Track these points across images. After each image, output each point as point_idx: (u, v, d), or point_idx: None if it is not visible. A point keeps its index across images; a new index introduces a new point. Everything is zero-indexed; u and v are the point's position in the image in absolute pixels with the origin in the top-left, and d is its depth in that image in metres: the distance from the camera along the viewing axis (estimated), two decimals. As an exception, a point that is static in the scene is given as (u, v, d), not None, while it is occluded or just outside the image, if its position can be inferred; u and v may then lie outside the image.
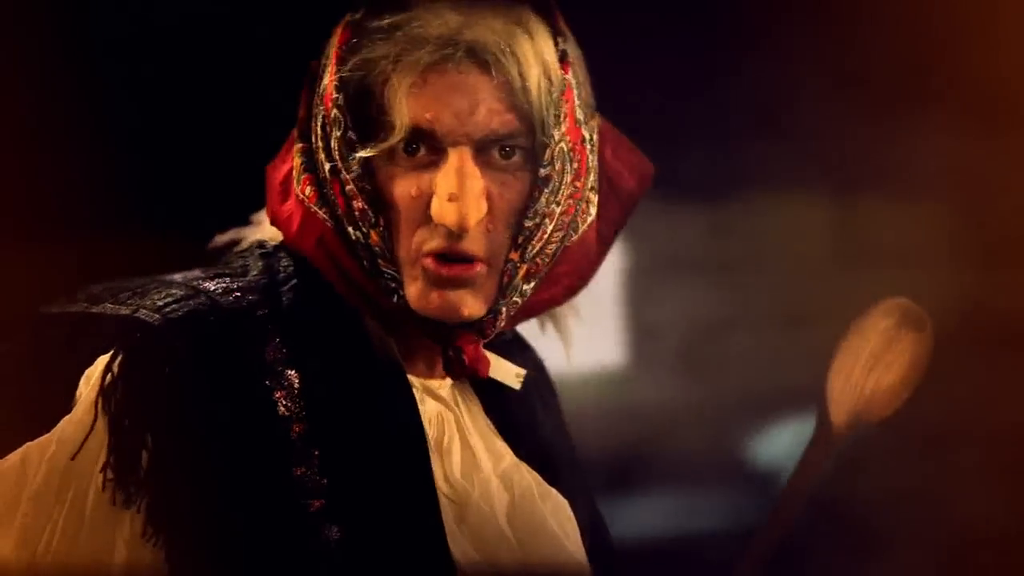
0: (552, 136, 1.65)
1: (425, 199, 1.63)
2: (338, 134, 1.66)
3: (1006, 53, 2.20)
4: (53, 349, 1.68)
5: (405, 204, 1.64)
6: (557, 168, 1.66)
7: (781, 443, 2.43)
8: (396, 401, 1.68)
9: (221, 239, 1.80)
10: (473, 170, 1.62)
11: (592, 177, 1.72)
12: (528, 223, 1.66)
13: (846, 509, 2.28)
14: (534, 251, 1.67)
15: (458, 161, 1.62)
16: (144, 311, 1.65)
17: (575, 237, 1.72)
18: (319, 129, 1.68)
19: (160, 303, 1.65)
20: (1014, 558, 2.20)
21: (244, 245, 1.77)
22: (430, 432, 1.70)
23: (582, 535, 1.75)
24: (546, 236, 1.68)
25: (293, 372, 1.64)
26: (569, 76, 1.67)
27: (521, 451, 1.75)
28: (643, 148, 1.84)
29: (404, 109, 1.62)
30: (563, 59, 1.67)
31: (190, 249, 1.81)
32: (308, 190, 1.69)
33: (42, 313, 1.71)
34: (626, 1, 2.31)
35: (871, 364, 1.83)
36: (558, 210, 1.68)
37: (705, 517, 2.42)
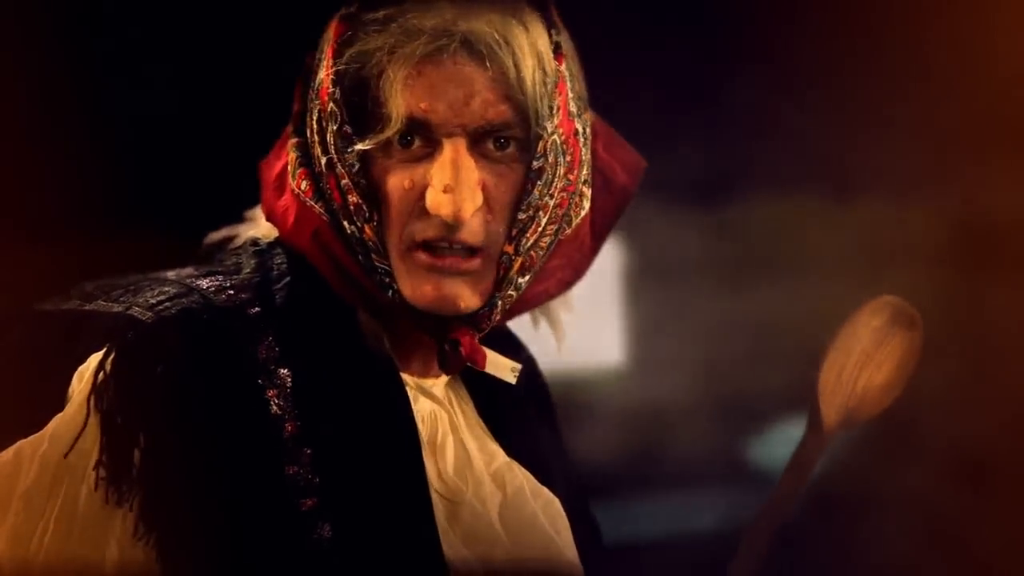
0: (546, 128, 1.65)
1: (418, 191, 1.63)
2: (334, 128, 1.66)
3: (1005, 54, 2.20)
4: (46, 347, 1.68)
5: (398, 196, 1.64)
6: (550, 160, 1.66)
7: (780, 443, 2.42)
8: (389, 399, 1.68)
9: (215, 236, 1.80)
10: (468, 161, 1.62)
11: (585, 170, 1.72)
12: (522, 215, 1.66)
13: (845, 509, 2.27)
14: (528, 244, 1.67)
15: (453, 152, 1.62)
16: (137, 309, 1.65)
17: (568, 230, 1.71)
18: (315, 123, 1.68)
19: (153, 301, 1.65)
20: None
21: (238, 243, 1.77)
22: (423, 431, 1.70)
23: (573, 534, 1.75)
24: (540, 229, 1.67)
25: (286, 371, 1.64)
26: (563, 68, 1.67)
27: (513, 450, 1.75)
28: (642, 147, 1.84)
29: (399, 100, 1.62)
30: (557, 51, 1.67)
31: (184, 246, 1.81)
32: (304, 184, 1.69)
33: (35, 311, 1.71)
34: (626, 0, 2.31)
35: (862, 362, 1.83)
36: (551, 203, 1.67)
37: (705, 517, 2.42)
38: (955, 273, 2.24)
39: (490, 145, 1.65)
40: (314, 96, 1.69)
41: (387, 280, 1.65)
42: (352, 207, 1.65)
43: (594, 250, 1.77)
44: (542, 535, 1.72)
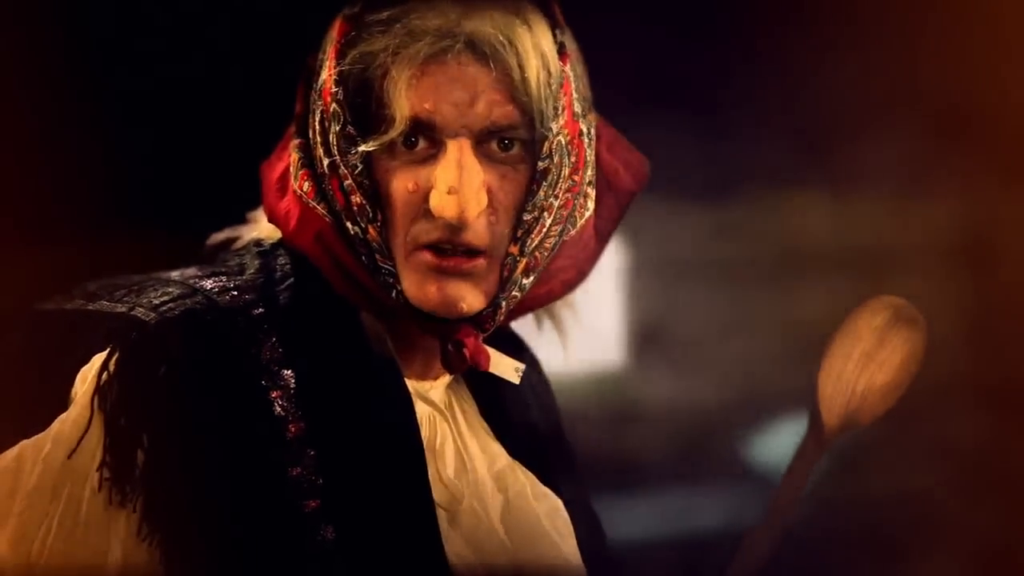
0: (550, 129, 1.65)
1: (423, 193, 1.63)
2: (337, 129, 1.65)
3: (1006, 54, 2.20)
4: (49, 346, 1.67)
5: (402, 198, 1.64)
6: (555, 161, 1.66)
7: (781, 443, 2.42)
8: (392, 401, 1.68)
9: (217, 237, 1.80)
10: (473, 162, 1.62)
11: (590, 171, 1.72)
12: (527, 216, 1.65)
13: (849, 510, 2.27)
14: (533, 245, 1.66)
15: (457, 153, 1.62)
16: (140, 309, 1.65)
17: (573, 231, 1.71)
18: (317, 124, 1.68)
19: (156, 301, 1.65)
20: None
21: (240, 244, 1.77)
22: (424, 433, 1.70)
23: (576, 536, 1.75)
24: (545, 230, 1.67)
25: (289, 372, 1.64)
26: (567, 69, 1.67)
27: (516, 452, 1.75)
28: (642, 147, 1.84)
29: (403, 101, 1.62)
30: (561, 51, 1.67)
31: (186, 247, 1.81)
32: (306, 185, 1.69)
33: (38, 311, 1.71)
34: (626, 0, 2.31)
35: (863, 363, 1.82)
36: (556, 203, 1.67)
37: (705, 517, 2.42)
38: (955, 273, 2.24)
39: (495, 146, 1.64)
40: (316, 97, 1.68)
41: (391, 281, 1.65)
42: (356, 208, 1.65)
43: (598, 251, 1.77)
44: (544, 537, 1.71)
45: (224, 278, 1.69)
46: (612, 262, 2.42)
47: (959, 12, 2.19)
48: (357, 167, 1.64)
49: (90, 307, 1.68)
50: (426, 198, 1.62)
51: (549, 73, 1.65)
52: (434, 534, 1.64)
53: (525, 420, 1.79)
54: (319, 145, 1.67)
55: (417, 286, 1.64)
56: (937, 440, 2.26)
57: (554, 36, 1.67)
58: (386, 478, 1.64)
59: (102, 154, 2.11)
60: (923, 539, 2.24)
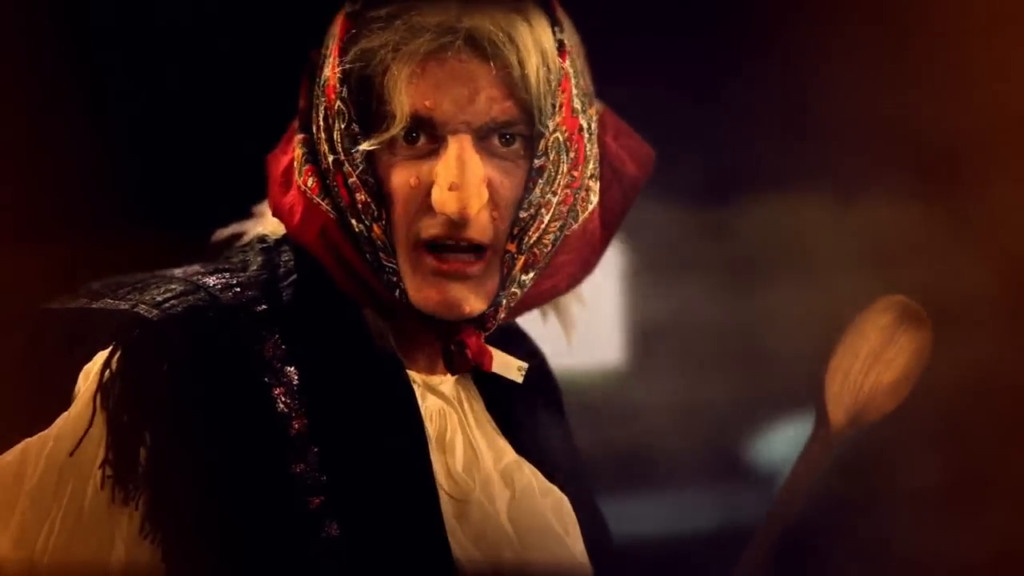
0: (547, 126, 1.65)
1: (424, 188, 1.63)
2: (342, 126, 1.65)
3: (1007, 53, 2.20)
4: (52, 345, 1.67)
5: (404, 194, 1.64)
6: (552, 158, 1.66)
7: (781, 443, 2.42)
8: (395, 397, 1.67)
9: (223, 233, 1.80)
10: (473, 158, 1.62)
11: (592, 165, 1.72)
12: (523, 214, 1.65)
13: (853, 510, 2.27)
14: (531, 241, 1.66)
15: (458, 149, 1.62)
16: (143, 307, 1.64)
17: (575, 226, 1.71)
18: (321, 120, 1.68)
19: (159, 299, 1.65)
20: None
21: (245, 239, 1.76)
22: (432, 428, 1.69)
23: (582, 532, 1.75)
24: (543, 226, 1.67)
25: (292, 369, 1.63)
26: (567, 65, 1.67)
27: (522, 447, 1.74)
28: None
29: (404, 98, 1.62)
30: (561, 48, 1.67)
31: (191, 243, 1.81)
32: (310, 181, 1.69)
33: (42, 309, 1.70)
34: (626, 1, 2.30)
35: (870, 362, 1.82)
36: (555, 200, 1.67)
37: (705, 517, 2.42)
38: (956, 273, 2.24)
39: (496, 141, 1.64)
40: (320, 93, 1.68)
41: (394, 279, 1.65)
42: (360, 205, 1.65)
43: (604, 243, 1.76)
44: (551, 534, 1.71)
45: (227, 275, 1.69)
46: (612, 262, 2.42)
47: (960, 12, 2.19)
48: (361, 165, 1.64)
49: (93, 305, 1.67)
50: (428, 193, 1.62)
51: (549, 70, 1.65)
52: (439, 529, 1.63)
53: (531, 416, 1.79)
54: (323, 141, 1.67)
55: (418, 289, 1.64)
56: (938, 440, 2.26)
57: (554, 32, 1.67)
58: (390, 474, 1.64)
59: (105, 150, 2.10)
60: (923, 539, 2.24)
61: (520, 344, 1.84)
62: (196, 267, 1.71)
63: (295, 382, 1.63)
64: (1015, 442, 2.22)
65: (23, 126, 2.05)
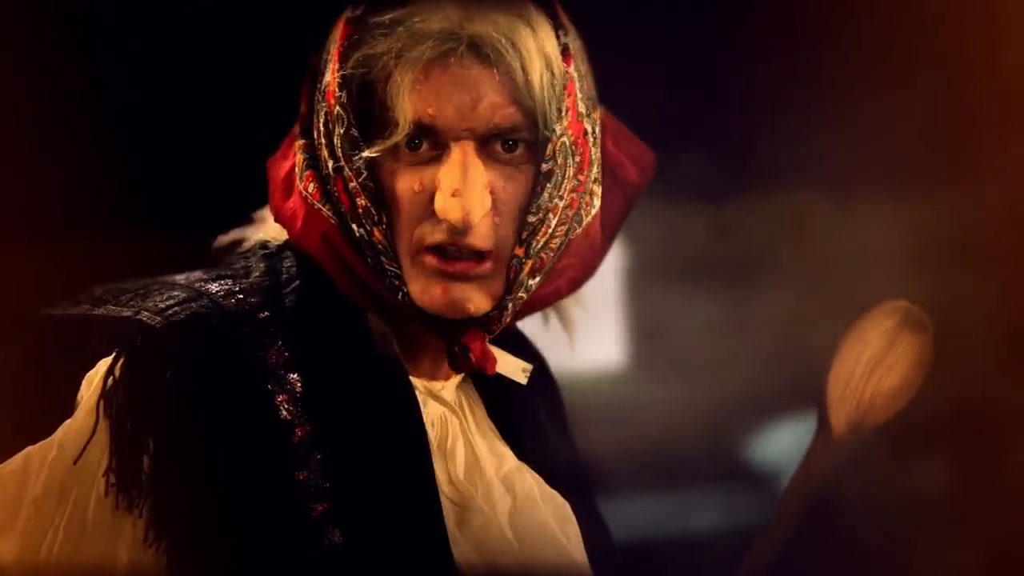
0: (554, 130, 1.64)
1: (428, 194, 1.63)
2: (341, 131, 1.65)
3: (1008, 52, 2.20)
4: (54, 351, 1.67)
5: (407, 199, 1.64)
6: (559, 162, 1.66)
7: (781, 443, 2.42)
8: (399, 403, 1.67)
9: (224, 239, 1.80)
10: (476, 164, 1.62)
11: (595, 169, 1.72)
12: (531, 218, 1.65)
13: (852, 514, 2.27)
14: (539, 246, 1.66)
15: (461, 155, 1.62)
16: (146, 313, 1.64)
17: (579, 230, 1.71)
18: (321, 126, 1.67)
19: (162, 305, 1.65)
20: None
21: (247, 245, 1.76)
22: (433, 434, 1.69)
23: (583, 537, 1.75)
24: (550, 231, 1.67)
25: (295, 376, 1.63)
26: (571, 69, 1.67)
27: (523, 453, 1.75)
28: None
29: (407, 105, 1.62)
30: (565, 52, 1.67)
31: (192, 248, 1.81)
32: (311, 187, 1.69)
33: (44, 315, 1.70)
34: (627, 1, 2.30)
35: (872, 367, 1.82)
36: (561, 204, 1.67)
37: (705, 517, 2.42)
38: (956, 273, 2.24)
39: (498, 147, 1.64)
40: (320, 99, 1.68)
41: (396, 283, 1.65)
42: (360, 210, 1.64)
43: (605, 246, 1.76)
44: (552, 540, 1.71)
45: (230, 281, 1.68)
46: (613, 262, 2.42)
47: (963, 11, 2.19)
48: (361, 170, 1.64)
49: (96, 311, 1.67)
50: (431, 199, 1.62)
51: (553, 75, 1.64)
52: (442, 537, 1.64)
53: (532, 421, 1.79)
54: (323, 147, 1.67)
55: (423, 289, 1.64)
56: (938, 439, 2.26)
57: (558, 37, 1.66)
58: (393, 481, 1.64)
59: (106, 155, 2.10)
60: (923, 540, 2.25)
61: (521, 347, 1.84)
62: (199, 273, 1.71)
63: (298, 389, 1.63)
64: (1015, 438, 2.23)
65: (26, 129, 2.05)
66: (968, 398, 2.17)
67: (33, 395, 1.67)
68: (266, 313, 1.66)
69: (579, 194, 1.68)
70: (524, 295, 1.67)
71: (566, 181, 1.67)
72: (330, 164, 1.66)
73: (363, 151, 1.63)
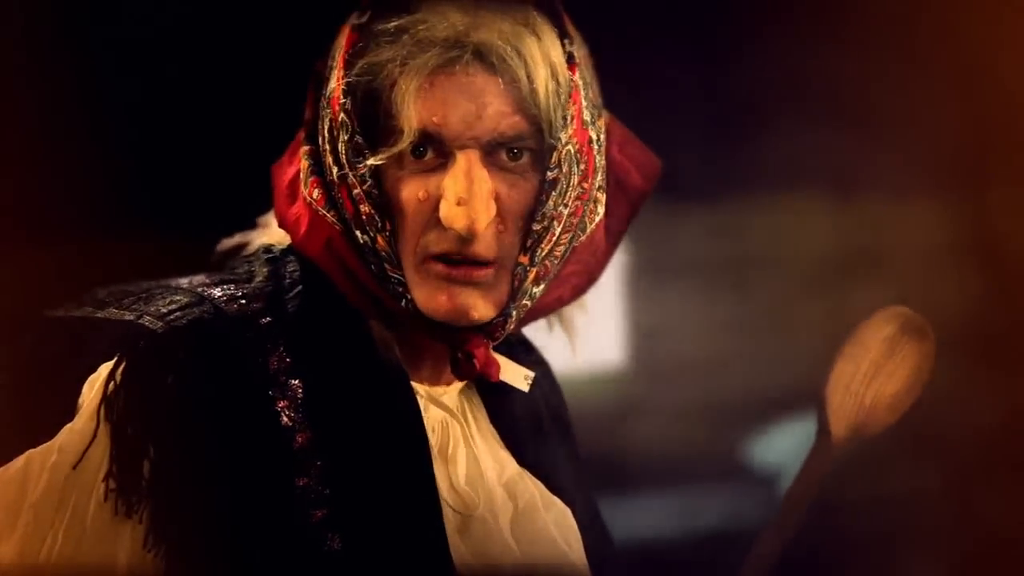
0: (559, 139, 1.64)
1: (433, 202, 1.62)
2: (345, 138, 1.64)
3: (1008, 52, 2.19)
4: (57, 354, 1.67)
5: (412, 208, 1.63)
6: (564, 171, 1.65)
7: (781, 444, 2.42)
8: (400, 410, 1.67)
9: (228, 243, 1.79)
10: (481, 173, 1.61)
11: (600, 177, 1.71)
12: (536, 226, 1.65)
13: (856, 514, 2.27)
14: (543, 254, 1.66)
15: (466, 164, 1.61)
16: (148, 318, 1.64)
17: (583, 237, 1.71)
18: (326, 132, 1.67)
19: (164, 310, 1.65)
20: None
21: (250, 249, 1.76)
22: (434, 439, 1.69)
23: (584, 543, 1.74)
24: (555, 238, 1.66)
25: (296, 382, 1.63)
26: (576, 77, 1.66)
27: (526, 460, 1.74)
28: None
29: (412, 113, 1.61)
30: (570, 60, 1.66)
31: (195, 252, 1.80)
32: (316, 193, 1.68)
33: (47, 317, 1.70)
34: (628, 0, 2.30)
35: (872, 373, 1.82)
36: (566, 212, 1.66)
37: (705, 517, 2.42)
38: (957, 273, 2.24)
39: (503, 155, 1.64)
40: (325, 105, 1.68)
41: (400, 290, 1.64)
42: (365, 217, 1.64)
43: (608, 253, 1.76)
44: (553, 547, 1.71)
45: (232, 286, 1.68)
46: (613, 262, 2.42)
47: (963, 11, 2.19)
48: (366, 178, 1.64)
49: (98, 315, 1.67)
50: (436, 207, 1.62)
51: (558, 83, 1.64)
52: (442, 543, 1.63)
53: (535, 427, 1.79)
54: (328, 153, 1.67)
55: (428, 295, 1.64)
56: (938, 438, 2.26)
57: (563, 45, 1.66)
58: (393, 487, 1.64)
59: (110, 158, 2.10)
60: (920, 540, 2.25)
61: (526, 353, 1.84)
62: (202, 277, 1.70)
63: (300, 395, 1.63)
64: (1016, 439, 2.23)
65: (26, 129, 2.05)
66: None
67: (34, 397, 1.66)
68: (268, 319, 1.66)
69: (583, 202, 1.68)
70: (528, 303, 1.67)
71: (571, 189, 1.66)
72: (335, 171, 1.66)
73: (367, 158, 1.63)
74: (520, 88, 1.61)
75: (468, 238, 1.61)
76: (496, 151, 1.63)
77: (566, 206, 1.66)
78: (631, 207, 1.76)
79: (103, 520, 1.59)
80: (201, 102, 2.14)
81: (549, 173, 1.64)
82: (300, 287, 1.68)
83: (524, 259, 1.65)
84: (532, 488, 1.72)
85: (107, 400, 1.61)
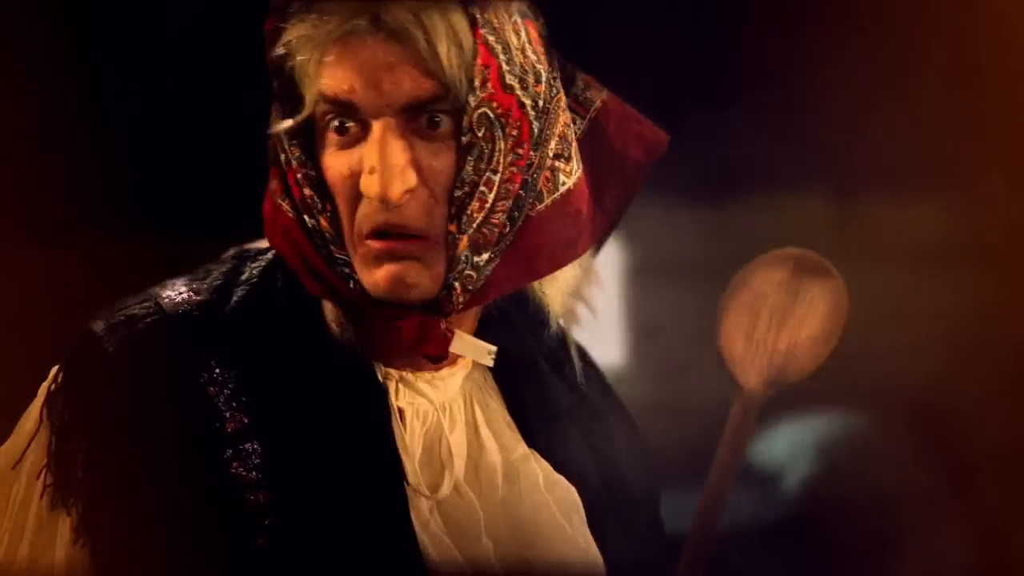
0: (468, 102, 1.63)
1: (356, 177, 1.62)
2: (279, 121, 1.66)
3: (1008, 52, 2.20)
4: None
5: (341, 184, 1.63)
6: (481, 135, 1.63)
7: (780, 442, 2.43)
8: (355, 395, 1.66)
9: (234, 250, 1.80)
10: (394, 139, 1.61)
11: (553, 144, 1.70)
12: (457, 193, 1.63)
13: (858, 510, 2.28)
14: (476, 221, 1.64)
15: (380, 132, 1.61)
16: (98, 321, 1.66)
17: (540, 206, 1.69)
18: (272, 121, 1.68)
19: (116, 310, 1.67)
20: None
21: (229, 252, 1.77)
22: (418, 425, 1.69)
23: (601, 522, 1.73)
24: (488, 205, 1.65)
25: (231, 370, 1.63)
26: (482, 39, 1.65)
27: (537, 441, 1.73)
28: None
29: (314, 82, 1.61)
30: (473, 23, 1.65)
31: (195, 252, 1.81)
32: (274, 183, 1.69)
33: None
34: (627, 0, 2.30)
35: (778, 320, 1.75)
36: (496, 178, 1.64)
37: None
38: (956, 273, 2.25)
39: (423, 123, 1.63)
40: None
41: (347, 271, 1.64)
42: (308, 200, 1.65)
43: (599, 225, 1.75)
44: (554, 526, 1.70)
45: (185, 285, 1.70)
46: (613, 262, 2.42)
47: (961, 10, 2.19)
48: (302, 159, 1.64)
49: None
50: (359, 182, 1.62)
51: (460, 46, 1.63)
52: (404, 526, 1.62)
53: (547, 407, 1.77)
54: (278, 141, 1.68)
55: (368, 273, 1.63)
56: (936, 438, 2.26)
57: (465, 9, 1.65)
58: (339, 470, 1.63)
59: (106, 155, 2.11)
60: (920, 539, 2.25)
61: (580, 357, 1.83)
62: (180, 279, 1.72)
63: (232, 384, 1.63)
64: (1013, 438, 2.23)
65: (26, 130, 2.06)
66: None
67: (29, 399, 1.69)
68: (207, 310, 1.66)
69: (523, 168, 1.67)
70: (472, 273, 1.65)
71: (497, 154, 1.65)
72: (281, 157, 1.67)
73: (282, 129, 1.63)
74: (421, 51, 1.61)
75: (387, 207, 1.60)
76: (415, 119, 1.62)
77: (495, 172, 1.64)
78: (629, 182, 1.75)
79: (41, 517, 1.62)
80: (201, 102, 2.15)
81: (463, 138, 1.63)
82: (255, 281, 1.69)
83: (452, 227, 1.64)
84: (536, 469, 1.71)
85: (48, 399, 1.64)
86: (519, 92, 1.66)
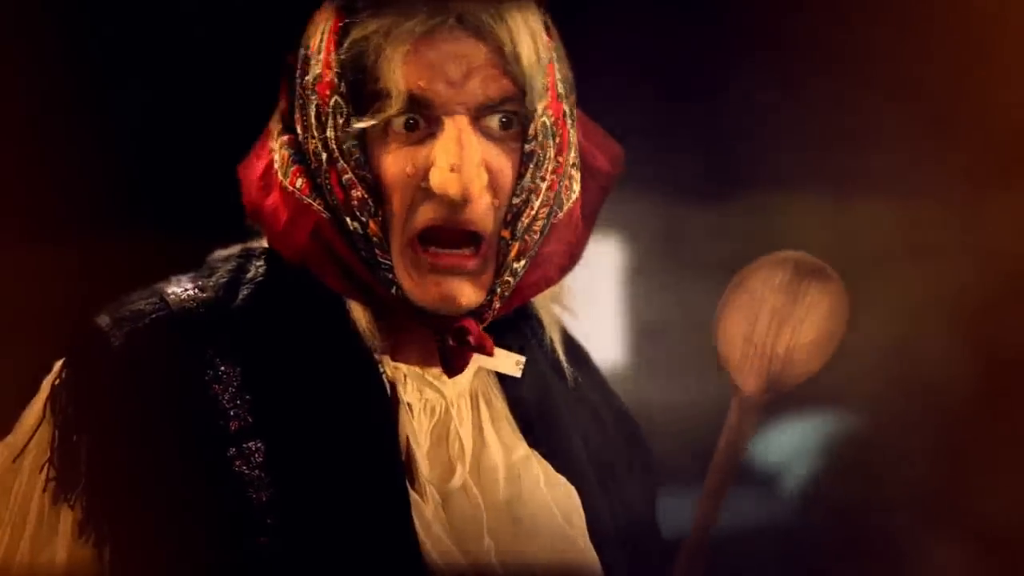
0: (536, 108, 1.64)
1: (420, 175, 1.62)
2: (340, 121, 1.64)
3: (1008, 52, 2.20)
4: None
5: (400, 183, 1.62)
6: (541, 142, 1.65)
7: (781, 443, 2.42)
8: (362, 391, 1.66)
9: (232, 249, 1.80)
10: (472, 138, 1.61)
11: (573, 153, 1.71)
12: (516, 200, 1.64)
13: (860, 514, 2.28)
14: (523, 228, 1.65)
15: (456, 130, 1.61)
16: (104, 316, 1.66)
17: (560, 214, 1.70)
18: (313, 119, 1.66)
19: (122, 306, 1.67)
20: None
21: (229, 250, 1.77)
22: (427, 420, 1.69)
23: (601, 521, 1.74)
24: (534, 212, 1.66)
25: (236, 368, 1.63)
26: (552, 47, 1.66)
27: (538, 441, 1.74)
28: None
29: (399, 77, 1.61)
30: (547, 29, 1.66)
31: (195, 252, 1.81)
32: (299, 182, 1.68)
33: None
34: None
35: (777, 323, 1.75)
36: (543, 185, 1.66)
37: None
38: (957, 273, 2.25)
39: (494, 124, 1.63)
40: (310, 92, 1.67)
41: (390, 276, 1.64)
42: (356, 202, 1.64)
43: (585, 235, 1.75)
44: (553, 526, 1.70)
45: (190, 282, 1.69)
46: (613, 262, 2.42)
47: (958, 13, 2.19)
48: (359, 159, 1.63)
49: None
50: (423, 180, 1.61)
51: (538, 49, 1.64)
52: (404, 523, 1.62)
53: (550, 409, 1.77)
54: (313, 140, 1.66)
55: (415, 283, 1.63)
56: (937, 439, 2.26)
57: (541, 15, 1.66)
58: (346, 465, 1.63)
59: (106, 155, 2.10)
60: (920, 540, 2.25)
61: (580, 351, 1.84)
62: (181, 277, 1.72)
63: (236, 381, 1.63)
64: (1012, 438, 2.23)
65: (26, 129, 2.05)
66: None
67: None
68: (212, 307, 1.67)
69: (559, 176, 1.68)
70: (511, 279, 1.66)
71: (547, 162, 1.66)
72: (323, 156, 1.65)
73: (354, 125, 1.62)
74: (504, 52, 1.61)
75: (461, 204, 1.60)
76: (486, 118, 1.63)
77: (543, 179, 1.66)
78: (602, 189, 1.76)
79: (43, 511, 1.62)
80: (201, 101, 2.14)
81: (527, 145, 1.64)
82: (260, 279, 1.69)
83: (506, 233, 1.65)
84: (537, 469, 1.72)
85: (52, 395, 1.64)
86: (564, 101, 1.68)
